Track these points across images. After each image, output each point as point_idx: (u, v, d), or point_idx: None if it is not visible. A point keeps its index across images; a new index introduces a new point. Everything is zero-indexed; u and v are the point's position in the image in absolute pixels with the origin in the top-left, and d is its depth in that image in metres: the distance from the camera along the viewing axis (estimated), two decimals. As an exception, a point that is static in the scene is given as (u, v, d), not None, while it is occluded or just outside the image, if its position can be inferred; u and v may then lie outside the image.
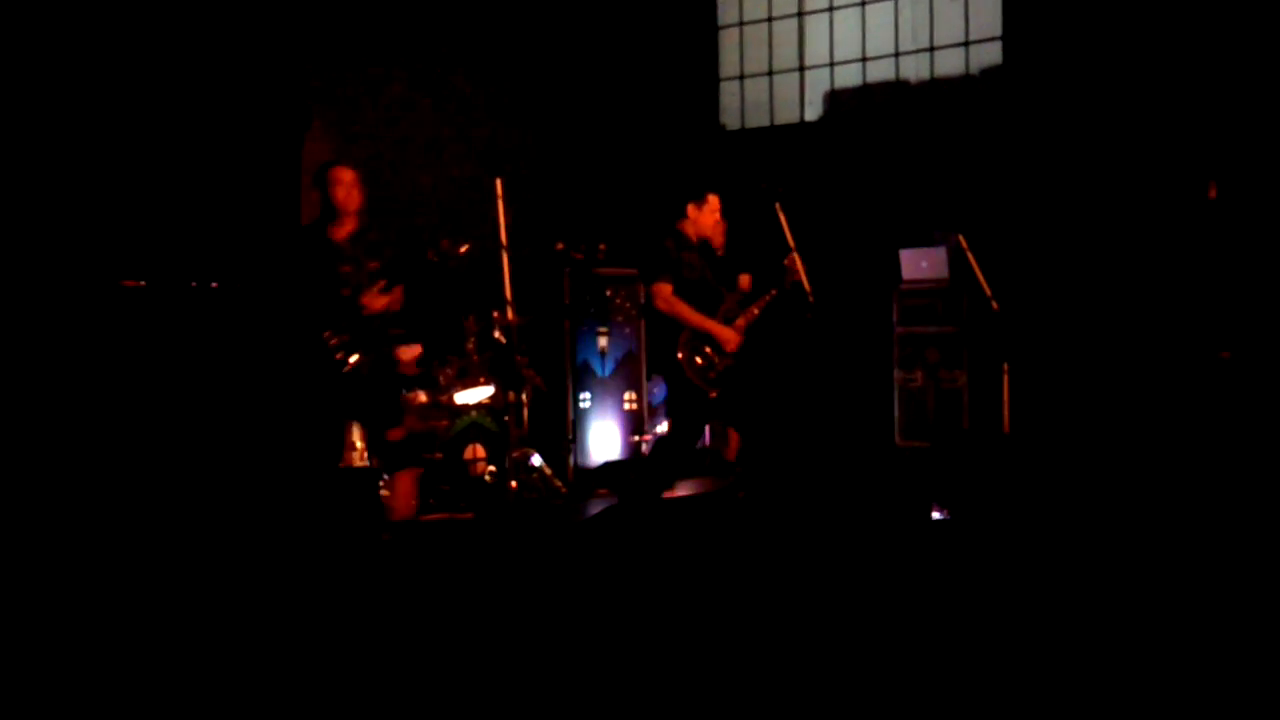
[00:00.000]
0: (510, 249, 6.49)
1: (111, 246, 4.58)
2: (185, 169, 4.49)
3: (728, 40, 11.40)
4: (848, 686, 3.71)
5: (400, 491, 5.99)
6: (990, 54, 9.98)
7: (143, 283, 4.61)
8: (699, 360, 6.18)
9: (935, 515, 6.15)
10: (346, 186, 5.84)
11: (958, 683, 3.73)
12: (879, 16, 10.55)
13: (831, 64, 10.81)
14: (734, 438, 7.02)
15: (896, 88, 10.50)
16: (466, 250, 6.28)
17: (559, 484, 7.61)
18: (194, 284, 4.55)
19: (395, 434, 6.06)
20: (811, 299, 6.20)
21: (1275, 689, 3.57)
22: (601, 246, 8.73)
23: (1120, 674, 3.76)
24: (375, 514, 5.32)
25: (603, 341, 8.63)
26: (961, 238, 7.16)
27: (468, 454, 7.24)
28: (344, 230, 5.90)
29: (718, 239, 6.80)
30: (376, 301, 5.92)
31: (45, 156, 4.73)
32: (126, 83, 4.79)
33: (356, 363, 5.84)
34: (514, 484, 7.14)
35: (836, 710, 3.54)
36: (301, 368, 5.38)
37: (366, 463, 6.99)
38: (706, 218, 6.39)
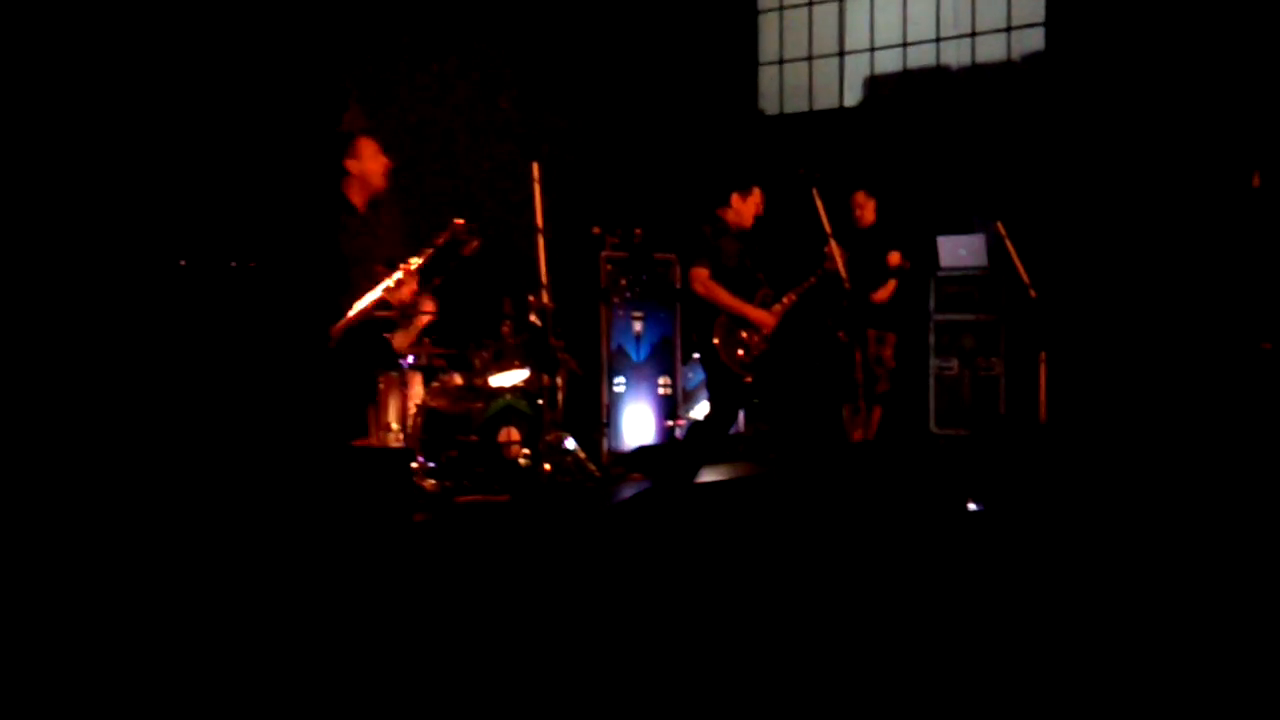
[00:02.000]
0: (546, 232, 6.49)
1: (147, 225, 4.61)
2: (220, 148, 4.52)
3: (767, 24, 11.35)
4: (875, 673, 3.71)
5: None
6: (1033, 40, 9.89)
7: (183, 262, 4.65)
8: (735, 345, 6.17)
9: (971, 507, 6.12)
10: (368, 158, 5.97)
11: (985, 671, 3.72)
12: (920, 2, 10.47)
13: (872, 49, 10.74)
14: (877, 413, 6.99)
15: (937, 73, 10.42)
16: (475, 247, 6.34)
17: (592, 467, 7.62)
18: (231, 263, 4.58)
19: None
20: (848, 286, 6.18)
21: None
22: (638, 231, 8.72)
23: (1151, 666, 3.73)
24: (406, 495, 5.34)
25: (638, 326, 8.63)
26: (1000, 225, 7.12)
27: (502, 437, 7.25)
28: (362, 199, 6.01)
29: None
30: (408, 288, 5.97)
31: (75, 136, 4.78)
32: (164, 61, 4.82)
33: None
34: (548, 467, 7.16)
35: (863, 697, 3.53)
36: (330, 348, 5.42)
37: (400, 443, 7.03)
38: (748, 209, 6.39)
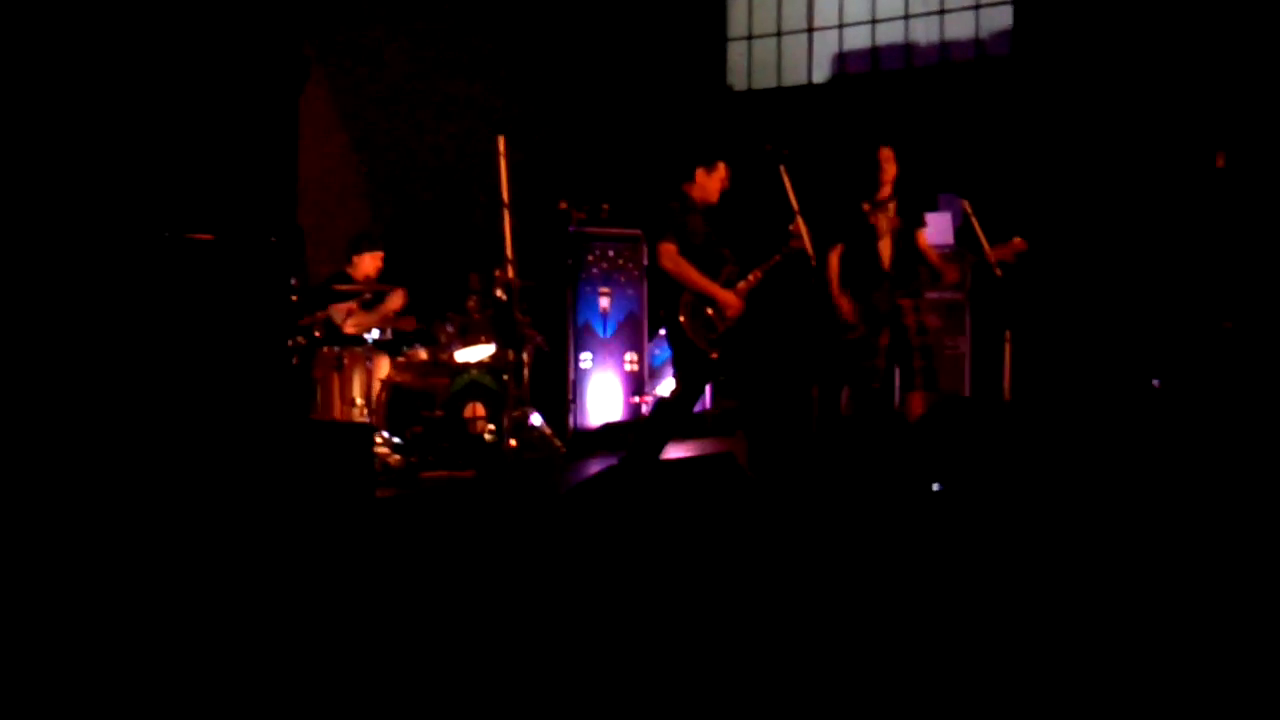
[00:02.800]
0: (512, 207, 6.45)
1: (101, 198, 4.55)
2: (178, 121, 4.45)
3: (736, 0, 11.30)
4: (841, 652, 3.72)
5: None
6: (1000, 18, 9.90)
7: (134, 233, 4.58)
8: (701, 322, 6.16)
9: (935, 487, 6.14)
10: None
11: (953, 655, 3.73)
12: (890, -22, 10.46)
13: (841, 26, 10.72)
14: (916, 401, 6.96)
15: (905, 50, 10.41)
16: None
17: (558, 443, 7.61)
18: (186, 236, 4.52)
19: None
20: (814, 264, 6.17)
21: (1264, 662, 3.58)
22: (605, 206, 8.69)
23: (1115, 649, 3.76)
24: (369, 471, 5.31)
25: (605, 302, 8.61)
26: (967, 203, 7.12)
27: (467, 412, 7.23)
28: None
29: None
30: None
31: (32, 110, 4.71)
32: (121, 33, 4.74)
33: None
34: (513, 443, 7.14)
35: (827, 677, 3.54)
36: (289, 322, 5.37)
37: (366, 418, 7.00)
38: (714, 184, 6.35)
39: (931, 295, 8.68)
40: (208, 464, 4.37)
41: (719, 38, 11.27)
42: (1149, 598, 4.24)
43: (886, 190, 6.83)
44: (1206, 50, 8.51)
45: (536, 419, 7.60)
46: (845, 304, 6.71)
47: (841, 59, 10.74)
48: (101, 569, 4.21)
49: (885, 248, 6.84)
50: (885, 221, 6.86)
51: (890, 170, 6.81)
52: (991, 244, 6.76)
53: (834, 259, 6.80)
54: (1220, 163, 8.18)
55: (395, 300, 7.42)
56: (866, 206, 6.84)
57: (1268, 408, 7.21)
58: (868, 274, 6.80)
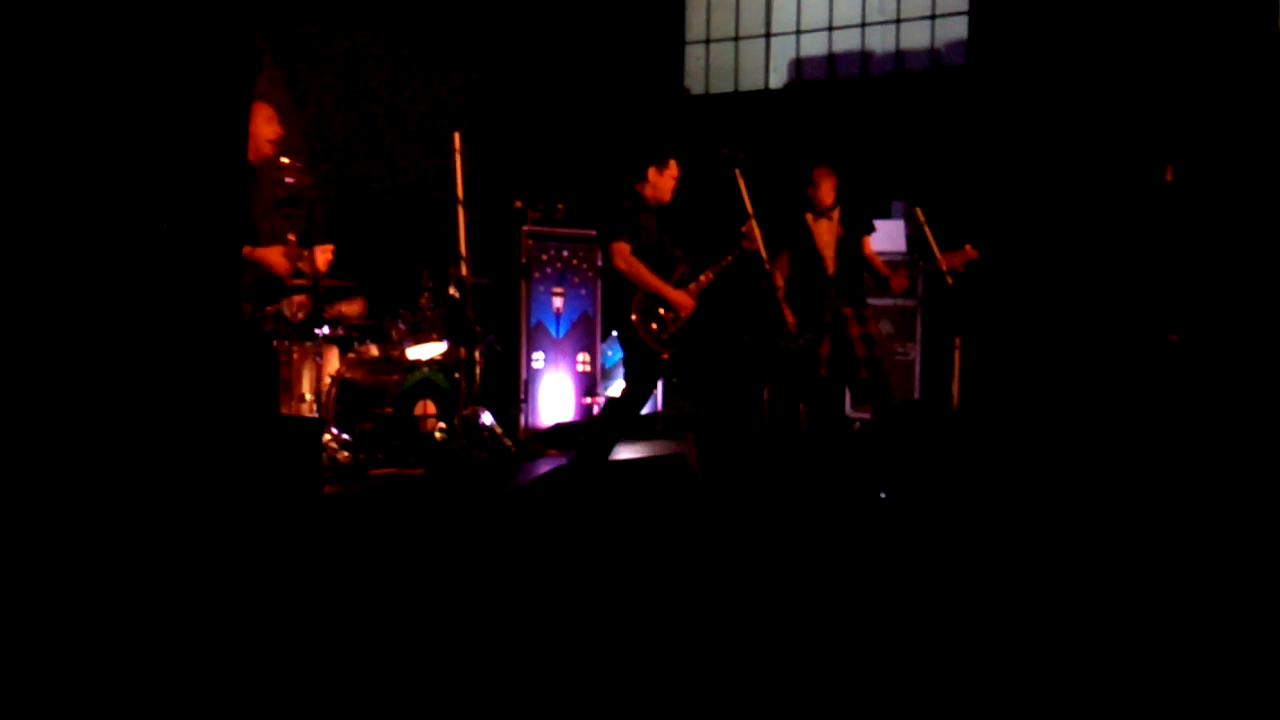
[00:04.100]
0: (467, 204, 6.42)
1: (46, 189, 4.47)
2: (124, 110, 4.39)
3: (695, 4, 11.33)
4: (785, 654, 3.73)
5: None
6: (956, 28, 9.98)
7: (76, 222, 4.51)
8: (653, 322, 6.16)
9: (882, 495, 6.18)
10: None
11: (897, 658, 3.75)
12: (847, -14, 10.53)
13: (798, 32, 10.77)
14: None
15: (861, 58, 10.48)
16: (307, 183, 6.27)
17: (509, 443, 7.59)
18: (139, 227, 4.46)
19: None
20: (768, 266, 6.19)
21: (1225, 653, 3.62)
22: (560, 206, 8.68)
23: (1065, 647, 3.79)
24: (317, 466, 5.27)
25: (558, 302, 8.60)
26: (919, 210, 7.17)
27: (418, 410, 7.19)
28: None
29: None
30: (322, 258, 5.87)
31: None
32: (63, 20, 4.67)
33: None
34: (463, 442, 7.11)
35: (771, 679, 3.55)
36: (238, 312, 5.30)
37: (314, 414, 6.94)
38: (667, 182, 6.36)
39: (884, 302, 8.74)
40: (149, 455, 4.32)
41: (677, 41, 11.30)
42: (1097, 601, 4.28)
43: (828, 202, 6.94)
44: (1158, 64, 8.62)
45: (487, 418, 7.58)
46: (787, 312, 6.74)
47: (798, 65, 10.79)
48: (41, 566, 4.15)
49: (829, 256, 6.93)
50: (829, 230, 6.94)
51: (825, 185, 6.91)
52: (943, 251, 6.82)
53: (781, 265, 6.86)
54: (1170, 175, 8.28)
55: (354, 307, 7.38)
56: (810, 216, 6.94)
57: (1210, 418, 7.31)
58: (810, 283, 6.86)
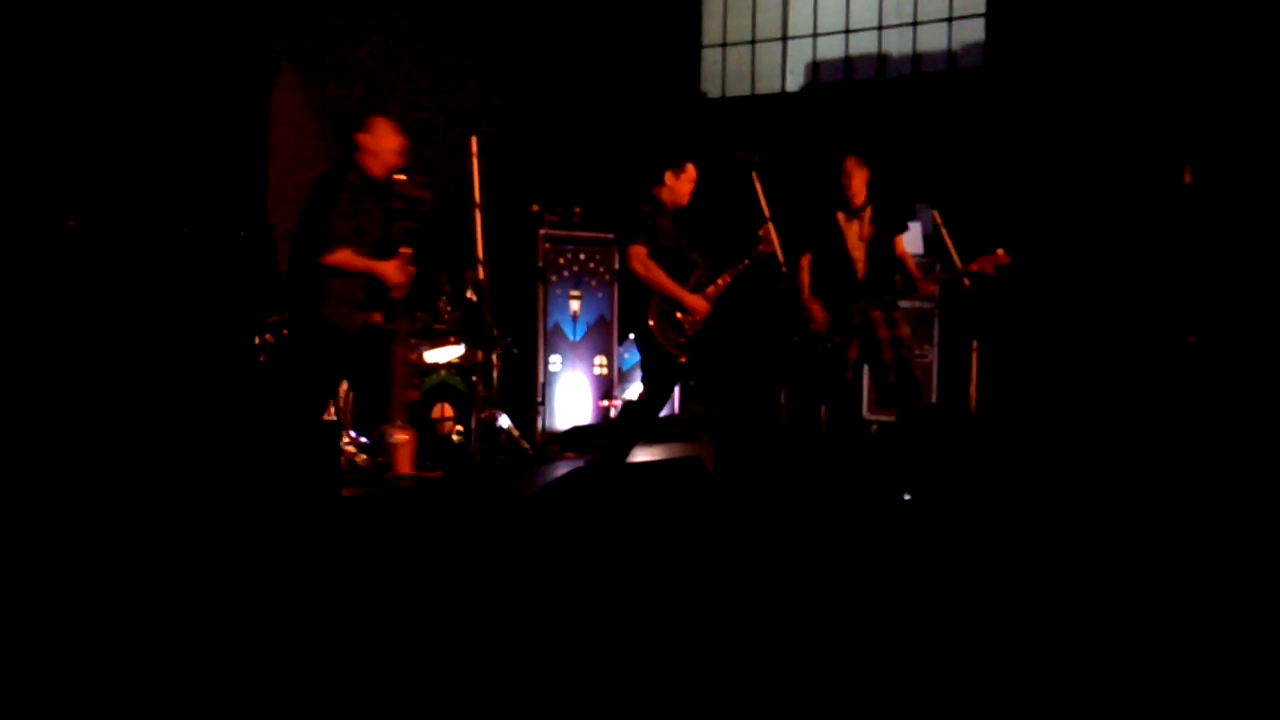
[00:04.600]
0: (484, 208, 6.44)
1: (71, 191, 4.51)
2: (152, 115, 4.42)
3: (711, 7, 11.34)
4: (806, 657, 3.73)
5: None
6: (973, 31, 9.97)
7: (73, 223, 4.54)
8: (670, 326, 6.17)
9: (905, 496, 6.18)
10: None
11: (922, 661, 3.75)
12: (863, -12, 10.52)
13: (815, 35, 10.77)
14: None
15: (878, 61, 10.47)
16: (427, 197, 6.23)
17: (526, 446, 7.61)
18: (160, 228, 4.50)
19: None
20: (784, 270, 6.19)
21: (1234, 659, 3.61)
22: (577, 210, 8.70)
23: (1087, 649, 3.79)
24: (335, 469, 5.29)
25: (575, 305, 8.61)
26: (937, 213, 7.16)
27: (435, 413, 7.22)
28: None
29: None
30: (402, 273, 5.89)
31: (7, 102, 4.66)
32: (95, 28, 4.71)
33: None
34: (481, 444, 7.13)
35: (792, 682, 3.56)
36: (257, 315, 5.32)
37: (335, 418, 6.97)
38: (684, 186, 6.35)
39: (902, 305, 8.73)
40: (172, 458, 4.35)
41: (694, 45, 11.31)
42: (1119, 604, 4.27)
43: (860, 198, 6.82)
44: (1176, 66, 8.60)
45: (505, 421, 7.60)
46: (817, 312, 6.70)
47: (815, 68, 10.79)
48: (65, 562, 4.18)
49: (859, 257, 6.81)
50: (860, 230, 6.84)
51: (858, 178, 6.80)
52: (962, 254, 6.78)
53: (804, 266, 6.81)
54: (1188, 177, 8.25)
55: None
56: (842, 216, 6.84)
57: (1228, 420, 7.28)
58: (840, 284, 6.77)
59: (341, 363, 5.68)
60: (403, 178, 6.20)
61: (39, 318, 4.88)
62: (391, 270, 5.74)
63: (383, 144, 5.86)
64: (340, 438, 6.23)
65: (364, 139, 5.80)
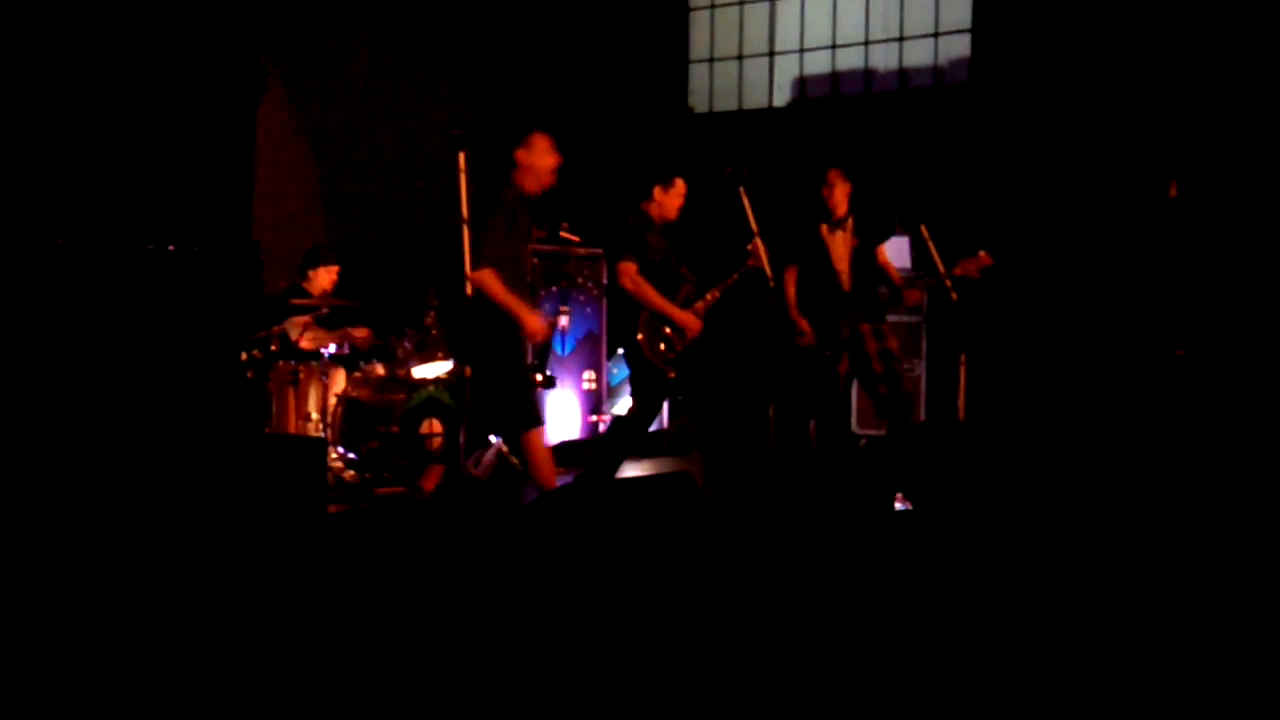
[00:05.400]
0: (471, 224, 6.43)
1: (57, 208, 4.50)
2: (139, 132, 4.42)
3: (698, 22, 11.37)
4: (796, 672, 3.72)
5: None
6: (959, 46, 10.01)
7: (61, 240, 4.53)
8: (659, 341, 6.17)
9: (898, 506, 6.18)
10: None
11: (923, 669, 3.75)
12: (850, 4, 10.55)
13: (801, 50, 10.80)
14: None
15: (865, 76, 10.51)
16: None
17: (515, 461, 7.58)
18: (148, 247, 4.49)
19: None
20: (772, 284, 6.19)
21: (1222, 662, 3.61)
22: (564, 225, 8.69)
23: (1082, 656, 3.79)
24: (321, 485, 5.27)
25: (563, 320, 8.60)
26: (924, 227, 7.18)
27: (424, 429, 7.20)
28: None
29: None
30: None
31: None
32: (79, 44, 4.70)
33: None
34: (469, 461, 7.11)
35: (782, 698, 3.55)
36: (243, 332, 5.29)
37: (320, 433, 6.95)
38: (672, 201, 6.36)
39: (890, 318, 8.73)
40: (158, 475, 4.33)
41: (681, 60, 11.33)
42: (1108, 614, 4.27)
43: (842, 209, 6.85)
44: (1161, 81, 8.64)
45: (493, 436, 7.57)
46: (805, 327, 6.70)
47: (802, 83, 10.82)
48: (52, 577, 4.16)
49: (844, 270, 6.83)
50: (844, 243, 6.85)
51: (840, 190, 6.82)
52: (950, 264, 6.79)
53: (790, 280, 6.81)
54: (1173, 192, 8.28)
55: (359, 333, 7.40)
56: (825, 228, 6.86)
57: (1215, 433, 7.30)
58: (826, 297, 6.78)
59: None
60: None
61: (27, 335, 4.86)
62: (529, 318, 5.71)
63: (541, 161, 5.89)
64: (324, 454, 6.21)
65: (523, 155, 5.82)
